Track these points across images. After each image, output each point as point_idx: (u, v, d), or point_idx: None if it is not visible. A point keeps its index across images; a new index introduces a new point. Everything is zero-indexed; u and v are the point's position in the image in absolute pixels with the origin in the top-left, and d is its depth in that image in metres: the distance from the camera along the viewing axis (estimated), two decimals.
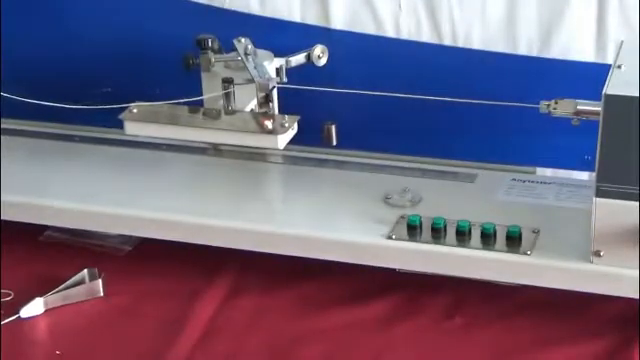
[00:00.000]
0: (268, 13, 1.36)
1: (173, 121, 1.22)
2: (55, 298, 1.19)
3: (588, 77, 1.19)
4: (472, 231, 1.13)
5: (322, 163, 1.31)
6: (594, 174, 1.04)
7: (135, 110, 1.24)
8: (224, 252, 1.20)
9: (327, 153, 1.31)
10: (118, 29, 1.42)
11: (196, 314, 1.16)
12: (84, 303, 1.20)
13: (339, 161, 1.30)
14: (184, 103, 1.22)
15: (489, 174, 1.26)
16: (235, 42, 1.26)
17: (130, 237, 1.28)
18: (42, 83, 1.42)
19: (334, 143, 1.23)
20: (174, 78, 1.28)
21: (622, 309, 1.12)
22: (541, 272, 1.09)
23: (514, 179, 1.24)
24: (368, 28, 1.33)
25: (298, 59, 1.26)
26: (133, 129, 1.24)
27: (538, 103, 1.13)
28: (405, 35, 1.32)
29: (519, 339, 1.11)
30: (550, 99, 1.13)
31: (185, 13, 1.38)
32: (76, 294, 1.20)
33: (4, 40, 1.44)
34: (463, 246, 1.12)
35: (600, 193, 1.04)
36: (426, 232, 1.14)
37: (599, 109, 1.03)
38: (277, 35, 1.34)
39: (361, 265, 1.15)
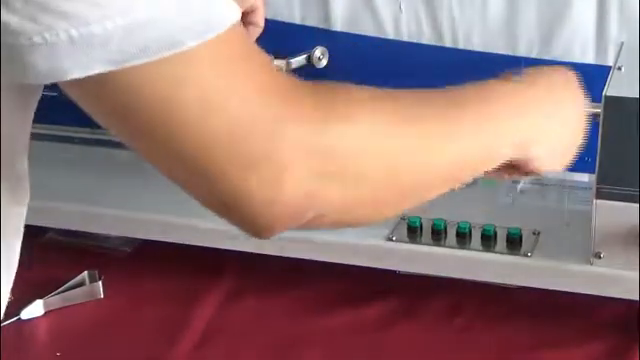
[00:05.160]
0: (268, 15, 1.36)
1: None
2: (55, 300, 1.19)
3: (588, 78, 1.19)
4: (472, 233, 1.13)
5: None
6: (594, 176, 1.04)
7: None
8: (224, 254, 1.20)
9: None
10: None
11: (196, 316, 1.16)
12: (84, 305, 1.20)
13: None
14: None
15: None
16: None
17: (130, 239, 1.28)
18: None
19: None
20: None
21: (622, 311, 1.12)
22: (541, 274, 1.09)
23: (514, 181, 1.24)
24: (368, 29, 1.32)
25: (299, 61, 1.26)
26: None
27: None
28: (405, 36, 1.32)
29: (519, 341, 1.11)
30: None
31: None
32: (76, 296, 1.20)
33: None
34: (463, 248, 1.12)
35: (600, 195, 1.04)
36: (426, 234, 1.14)
37: (599, 110, 1.03)
38: (277, 37, 1.34)
39: (361, 267, 1.15)
